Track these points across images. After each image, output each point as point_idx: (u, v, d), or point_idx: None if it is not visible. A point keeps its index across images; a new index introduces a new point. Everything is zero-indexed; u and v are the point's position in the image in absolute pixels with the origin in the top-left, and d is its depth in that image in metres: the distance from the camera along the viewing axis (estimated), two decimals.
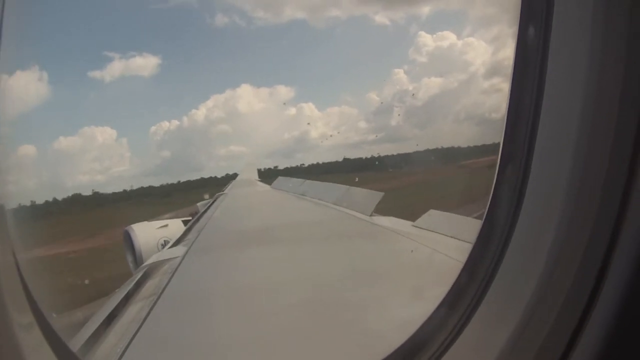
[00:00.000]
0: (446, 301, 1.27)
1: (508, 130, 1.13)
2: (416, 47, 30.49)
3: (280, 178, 12.72)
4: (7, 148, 1.02)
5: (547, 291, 0.99)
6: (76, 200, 17.95)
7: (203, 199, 11.07)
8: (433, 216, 4.68)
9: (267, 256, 4.31)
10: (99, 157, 28.89)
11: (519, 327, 1.01)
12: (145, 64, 32.67)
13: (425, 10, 32.60)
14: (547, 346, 0.99)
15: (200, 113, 32.32)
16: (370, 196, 6.05)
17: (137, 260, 6.94)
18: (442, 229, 4.23)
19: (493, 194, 1.18)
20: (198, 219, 7.55)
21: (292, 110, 30.77)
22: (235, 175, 16.96)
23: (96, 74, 27.97)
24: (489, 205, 1.18)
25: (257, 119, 33.00)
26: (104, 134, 28.73)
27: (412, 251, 3.69)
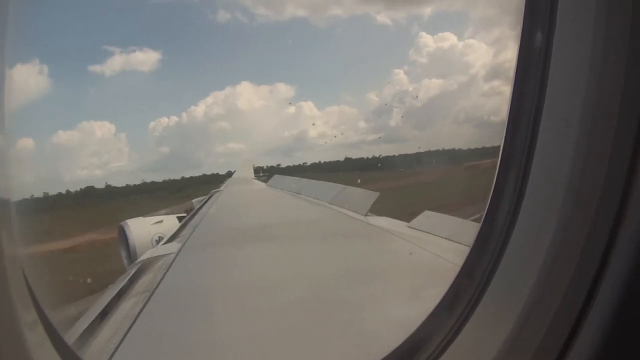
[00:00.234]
0: (444, 301, 1.27)
1: (509, 131, 1.14)
2: (417, 48, 30.44)
3: (276, 176, 12.68)
4: (8, 141, 1.00)
5: (545, 292, 0.99)
6: (88, 193, 17.91)
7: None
8: (428, 217, 4.70)
9: (260, 254, 4.29)
10: (97, 151, 28.62)
11: (517, 327, 1.02)
12: (146, 59, 32.41)
13: (427, 10, 32.55)
14: (544, 346, 1.00)
15: (200, 110, 32.11)
16: (366, 196, 6.05)
17: (131, 256, 6.91)
18: (437, 230, 4.26)
19: (493, 195, 1.18)
20: (193, 216, 7.53)
21: (292, 109, 30.71)
22: (232, 173, 16.95)
23: (96, 68, 27.71)
24: (489, 205, 1.19)
25: (256, 116, 32.85)
26: (103, 129, 28.38)
27: (410, 254, 3.69)
